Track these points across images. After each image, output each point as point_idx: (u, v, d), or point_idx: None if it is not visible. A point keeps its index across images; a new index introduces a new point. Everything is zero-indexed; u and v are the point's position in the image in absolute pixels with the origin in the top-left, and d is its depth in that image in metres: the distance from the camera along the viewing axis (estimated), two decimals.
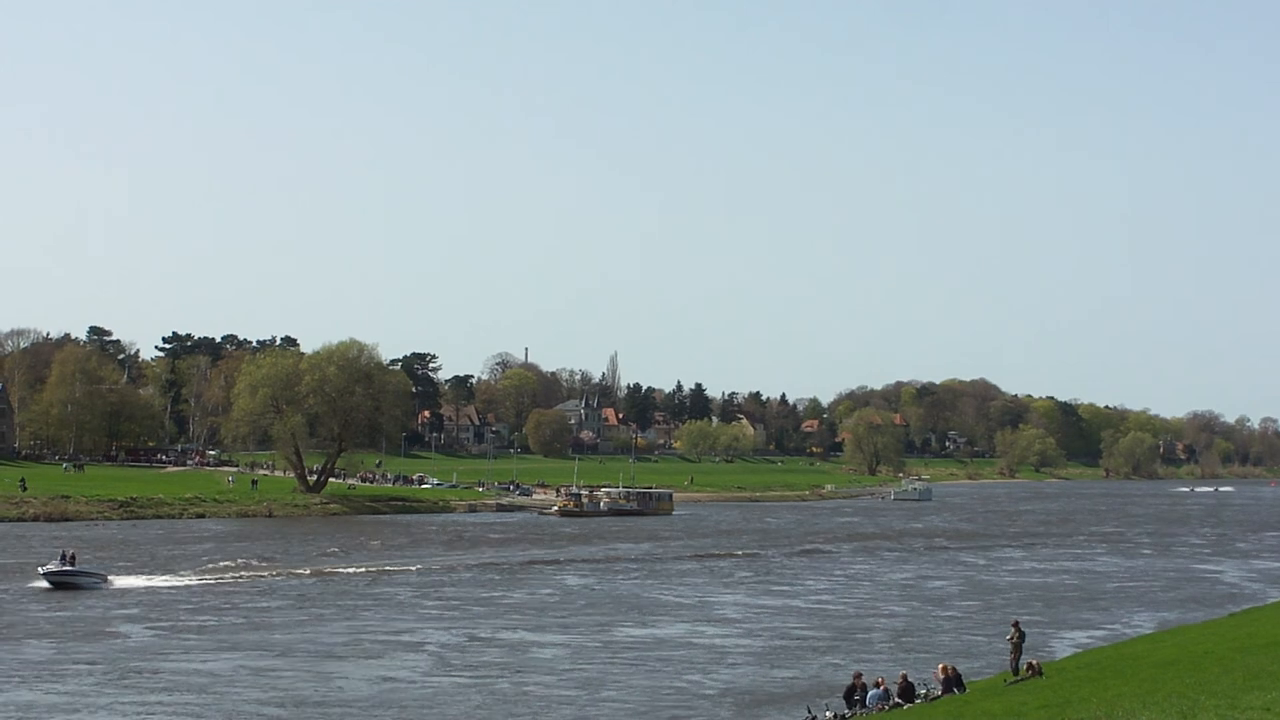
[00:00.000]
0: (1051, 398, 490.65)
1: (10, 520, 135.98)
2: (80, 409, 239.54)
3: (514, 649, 62.83)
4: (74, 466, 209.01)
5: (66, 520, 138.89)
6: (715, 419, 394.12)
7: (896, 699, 41.67)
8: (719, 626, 72.15)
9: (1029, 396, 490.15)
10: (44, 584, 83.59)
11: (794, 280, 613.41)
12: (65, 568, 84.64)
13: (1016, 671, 43.89)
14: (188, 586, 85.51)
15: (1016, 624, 48.94)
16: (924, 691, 42.76)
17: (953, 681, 42.45)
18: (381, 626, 69.24)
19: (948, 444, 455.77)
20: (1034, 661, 44.26)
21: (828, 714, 41.82)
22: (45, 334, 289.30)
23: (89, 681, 52.11)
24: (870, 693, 42.02)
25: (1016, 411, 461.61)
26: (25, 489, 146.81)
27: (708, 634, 69.24)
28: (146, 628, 67.22)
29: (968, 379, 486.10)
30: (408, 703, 49.19)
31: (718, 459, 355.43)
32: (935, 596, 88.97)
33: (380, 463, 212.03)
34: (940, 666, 44.10)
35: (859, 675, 43.63)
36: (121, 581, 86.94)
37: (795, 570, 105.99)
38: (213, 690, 50.81)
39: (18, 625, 67.67)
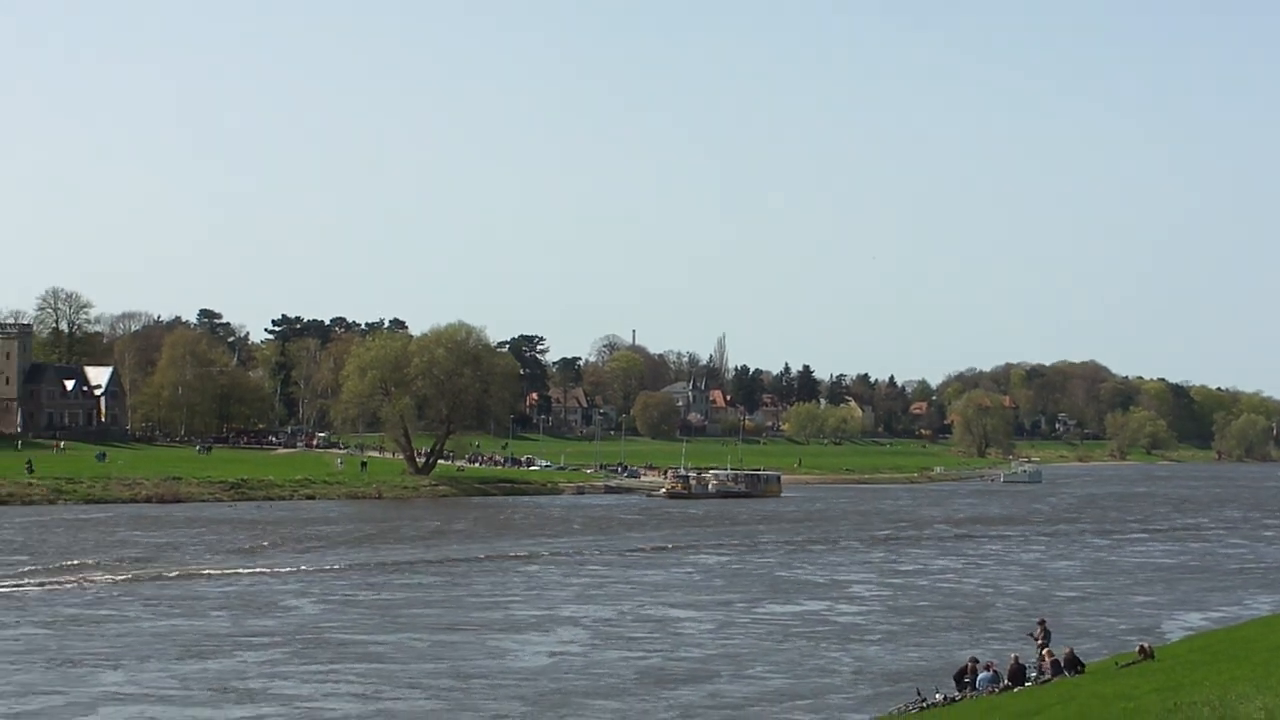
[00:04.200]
0: (1163, 380, 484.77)
1: (123, 501, 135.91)
2: (191, 392, 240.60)
3: (662, 624, 64.31)
4: (204, 449, 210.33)
5: (178, 502, 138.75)
6: (823, 401, 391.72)
7: (1006, 681, 40.23)
8: (852, 604, 73.02)
9: (1140, 378, 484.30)
10: None
11: (903, 262, 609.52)
12: None
13: (1041, 672, 42.07)
14: (333, 568, 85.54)
15: (1043, 623, 47.08)
16: (1034, 674, 41.31)
17: (1068, 664, 40.87)
18: (533, 603, 70.82)
19: (1057, 426, 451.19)
20: (1146, 645, 42.56)
21: (937, 696, 40.69)
22: (156, 317, 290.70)
23: (275, 652, 53.70)
24: (980, 675, 40.87)
25: (1127, 393, 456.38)
26: (32, 471, 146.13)
27: (842, 612, 70.02)
28: (313, 603, 69.05)
29: (1077, 361, 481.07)
30: (568, 674, 50.60)
31: (825, 441, 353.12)
32: (1059, 577, 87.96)
33: (478, 444, 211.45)
34: (1045, 650, 42.42)
35: (975, 660, 42.31)
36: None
37: (919, 551, 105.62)
38: (389, 660, 52.68)
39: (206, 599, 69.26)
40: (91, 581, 74.57)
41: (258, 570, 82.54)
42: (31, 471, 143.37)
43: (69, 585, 72.88)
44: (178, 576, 78.12)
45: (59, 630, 57.93)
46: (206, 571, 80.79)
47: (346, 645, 55.77)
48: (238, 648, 54.47)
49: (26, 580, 74.20)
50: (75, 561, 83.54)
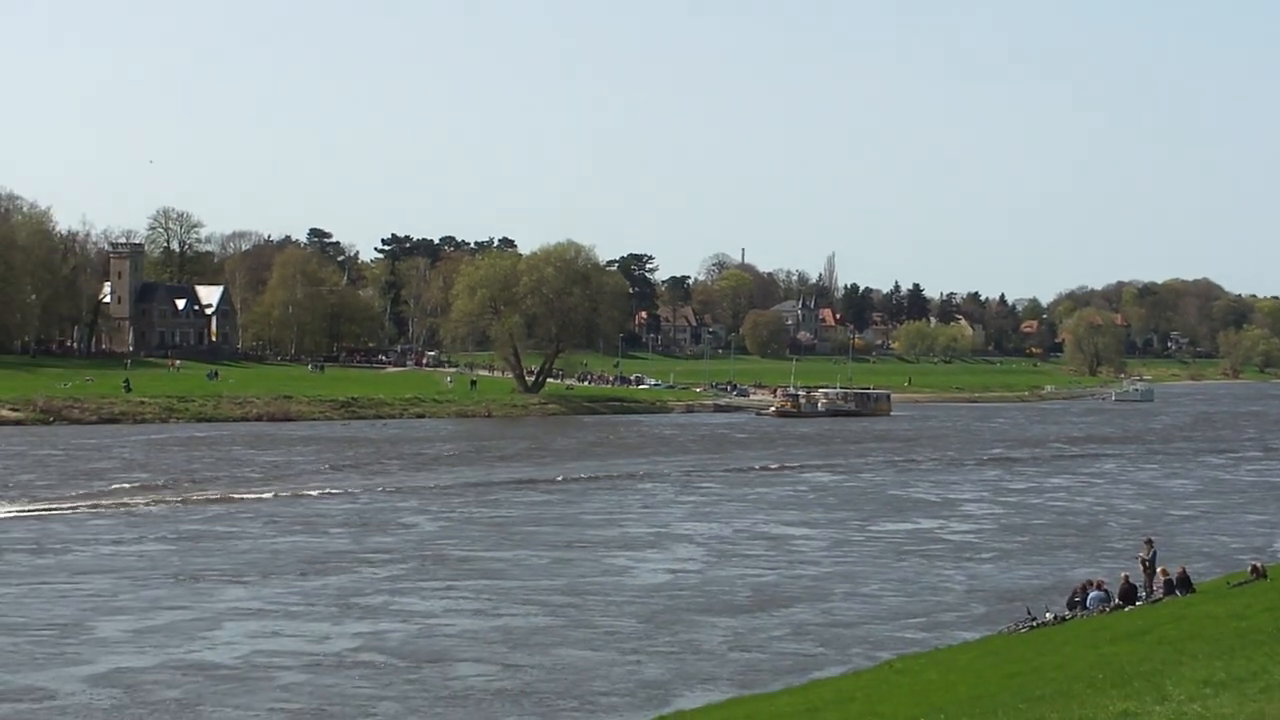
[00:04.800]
0: (1277, 298, 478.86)
1: (235, 420, 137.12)
2: (301, 311, 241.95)
3: (776, 542, 64.44)
4: (316, 368, 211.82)
5: (289, 420, 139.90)
6: (933, 319, 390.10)
7: (1117, 600, 39.95)
8: (964, 523, 72.98)
9: (1253, 296, 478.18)
10: None
11: (1011, 178, 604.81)
12: None
13: (1150, 592, 41.58)
14: (449, 486, 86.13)
15: (1150, 542, 46.41)
16: (1144, 594, 40.99)
17: (1179, 583, 40.53)
18: (647, 521, 71.36)
19: (1169, 345, 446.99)
20: (1258, 564, 42.12)
21: (1048, 615, 40.44)
22: (266, 236, 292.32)
23: (395, 569, 54.30)
24: (1091, 595, 40.58)
25: (1240, 312, 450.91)
26: (129, 390, 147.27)
27: (955, 530, 70.02)
28: (430, 520, 69.65)
29: (1190, 279, 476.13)
30: (683, 591, 50.84)
31: (935, 360, 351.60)
32: (1172, 495, 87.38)
33: (586, 363, 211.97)
34: (1161, 569, 41.97)
35: (1089, 582, 42.01)
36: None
37: (1032, 470, 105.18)
38: (506, 576, 53.20)
39: (326, 517, 70.21)
40: (211, 499, 75.53)
41: (375, 488, 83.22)
42: (129, 390, 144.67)
43: (189, 502, 73.84)
44: (295, 494, 79.01)
45: (181, 546, 58.75)
46: (324, 489, 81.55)
47: (464, 562, 56.26)
48: (358, 564, 55.10)
49: (148, 497, 75.17)
50: (194, 479, 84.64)
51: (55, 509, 69.24)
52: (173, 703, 34.01)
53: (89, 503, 72.23)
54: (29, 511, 68.07)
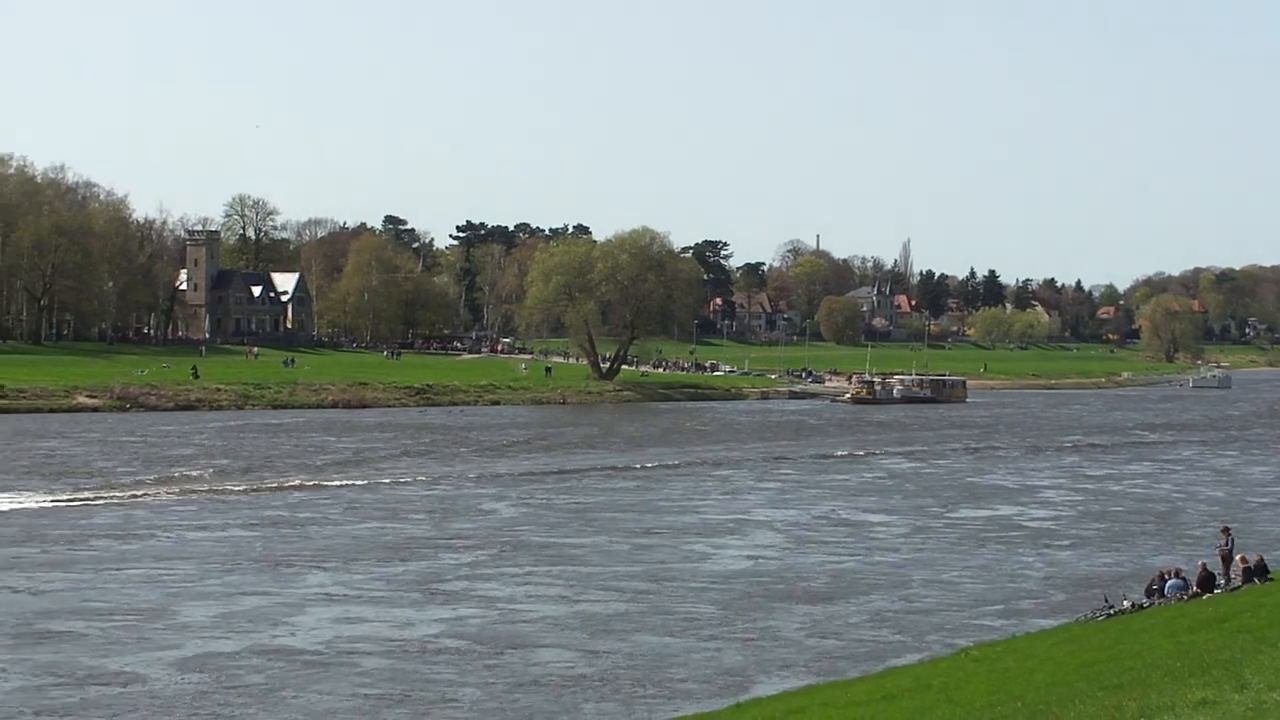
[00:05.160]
0: None
1: (310, 407, 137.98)
2: (376, 297, 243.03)
3: (855, 528, 64.66)
4: (393, 354, 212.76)
5: (364, 407, 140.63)
6: (1009, 306, 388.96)
7: (1195, 589, 39.90)
8: (1043, 509, 72.89)
9: None
10: None
11: (1088, 163, 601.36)
12: None
13: (1228, 580, 41.36)
14: (527, 473, 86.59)
15: (1226, 530, 46.03)
16: (1223, 582, 40.91)
17: (1257, 571, 40.45)
18: (725, 507, 71.52)
19: (1247, 331, 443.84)
20: None
21: (1125, 603, 40.38)
22: (342, 223, 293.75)
23: (475, 555, 54.83)
24: (1169, 583, 40.54)
25: None
26: (197, 377, 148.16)
27: (1033, 517, 69.90)
28: (510, 506, 70.20)
29: (1268, 264, 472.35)
30: (762, 577, 50.99)
31: (1011, 346, 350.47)
32: (1251, 483, 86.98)
33: (660, 349, 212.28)
34: (1240, 557, 41.86)
35: (1168, 569, 42.00)
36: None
37: (1110, 457, 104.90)
38: (586, 563, 53.55)
39: (405, 503, 70.94)
40: (291, 485, 76.22)
41: (453, 474, 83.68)
42: (197, 377, 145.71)
43: (270, 489, 74.52)
44: (374, 480, 79.52)
45: (264, 532, 59.34)
46: (403, 476, 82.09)
47: (544, 548, 56.57)
48: (438, 550, 55.51)
49: (229, 484, 75.94)
50: (273, 465, 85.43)
51: (138, 495, 69.96)
52: (257, 687, 34.40)
53: (171, 489, 72.94)
54: (112, 498, 68.74)
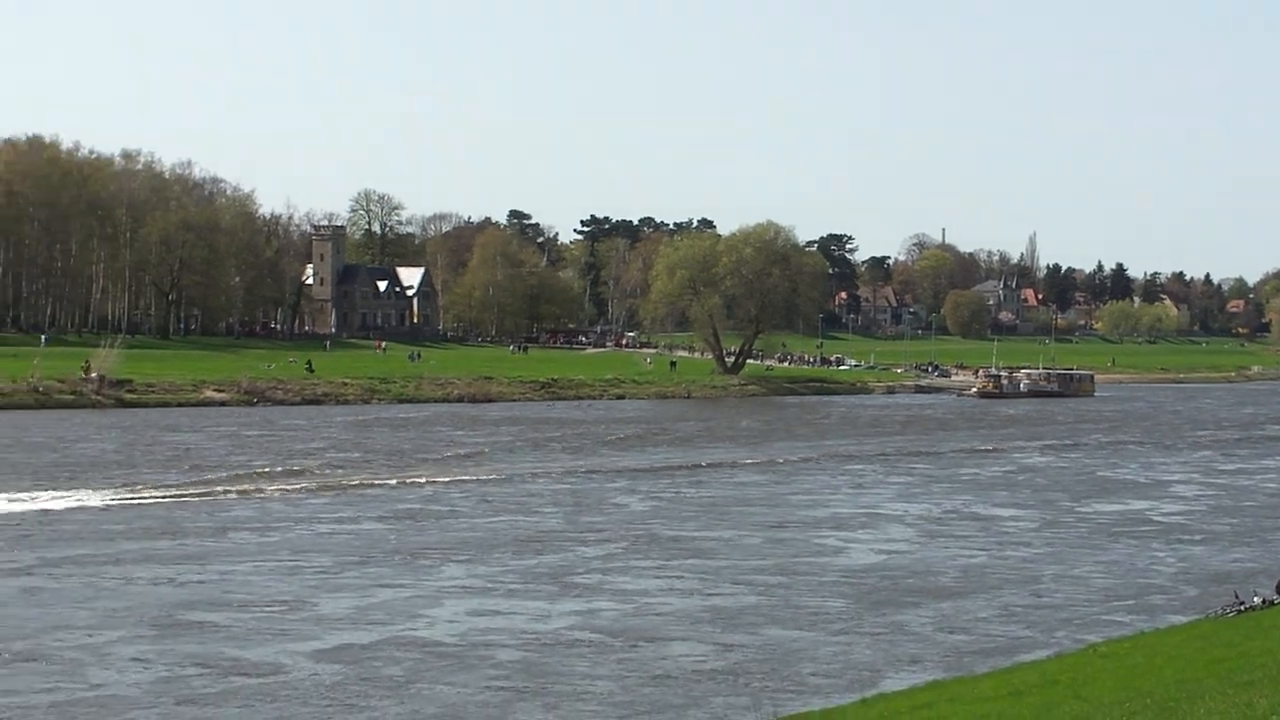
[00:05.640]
0: None
1: (435, 401, 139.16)
2: (501, 292, 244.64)
3: (986, 523, 64.56)
4: (519, 348, 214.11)
5: (490, 401, 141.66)
6: (1137, 299, 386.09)
7: None
8: (1175, 504, 72.30)
9: None
10: None
11: (1217, 155, 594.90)
12: None
13: None
14: (657, 467, 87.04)
15: None
16: None
17: None
18: (855, 501, 71.67)
19: None
20: None
21: (1255, 599, 40.07)
22: (466, 218, 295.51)
23: (608, 548, 55.22)
24: None
25: None
26: (312, 371, 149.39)
27: (1165, 511, 69.35)
28: (641, 500, 70.58)
29: None
30: (892, 572, 50.95)
31: (1139, 340, 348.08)
32: None
33: (785, 344, 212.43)
34: None
35: None
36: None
37: (1243, 451, 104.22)
38: (717, 556, 53.65)
39: (536, 496, 71.76)
40: (422, 478, 76.95)
41: (583, 468, 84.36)
42: (311, 372, 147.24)
43: (401, 482, 75.25)
44: (504, 474, 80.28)
45: (397, 525, 60.00)
46: (533, 469, 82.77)
47: (675, 541, 56.81)
48: (571, 543, 55.95)
49: (361, 477, 76.96)
50: (403, 459, 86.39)
51: (272, 489, 70.97)
52: (392, 679, 34.86)
53: (304, 482, 73.97)
54: (246, 491, 69.80)
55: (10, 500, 63.79)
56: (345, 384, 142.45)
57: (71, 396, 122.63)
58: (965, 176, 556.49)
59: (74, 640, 38.02)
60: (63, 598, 43.52)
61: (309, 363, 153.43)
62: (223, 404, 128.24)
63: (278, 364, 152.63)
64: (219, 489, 70.35)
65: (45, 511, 61.38)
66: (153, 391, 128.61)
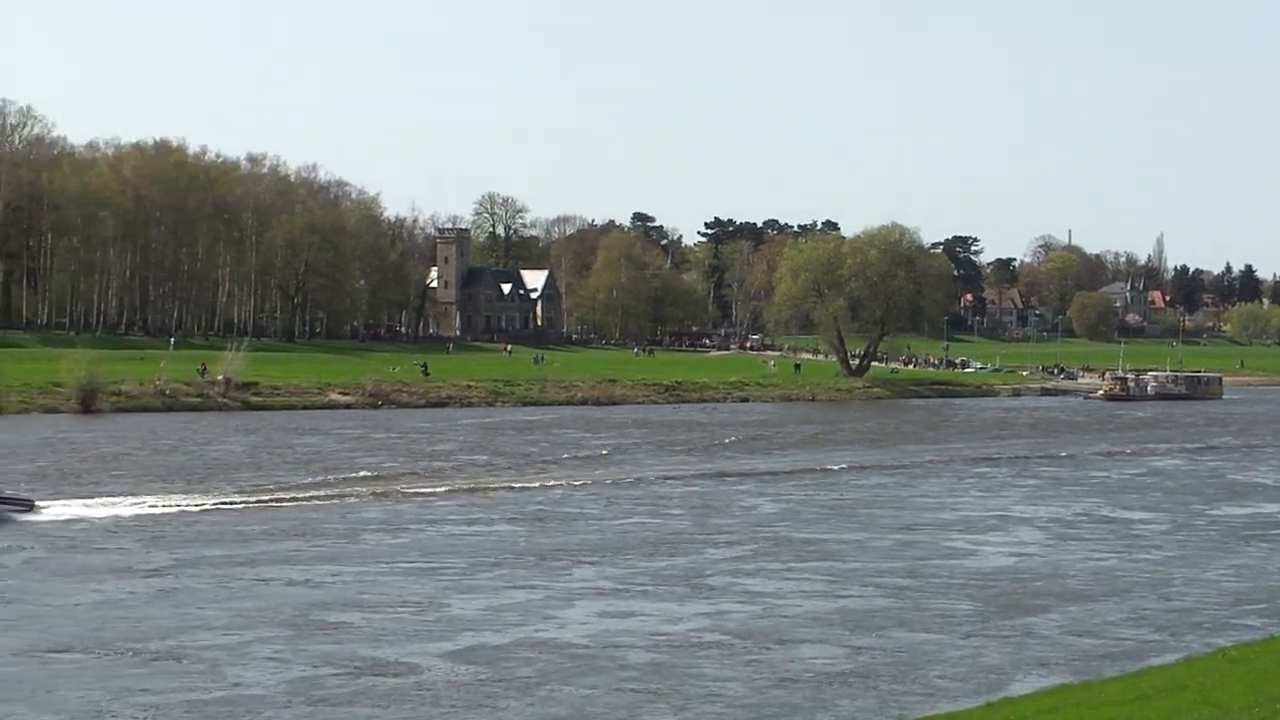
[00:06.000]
0: None
1: (560, 403, 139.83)
2: (625, 294, 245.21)
3: (1116, 525, 64.39)
4: (645, 351, 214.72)
5: (614, 404, 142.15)
6: (1266, 301, 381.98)
7: None
8: None
9: None
10: None
11: None
12: None
13: None
14: (783, 469, 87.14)
15: None
16: None
17: None
18: (984, 504, 71.49)
19: None
20: None
21: None
22: (590, 221, 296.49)
23: (737, 550, 55.40)
24: None
25: None
26: (427, 374, 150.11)
27: None
28: (770, 502, 70.71)
29: None
30: (1021, 576, 50.97)
31: (1269, 342, 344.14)
32: None
33: (910, 346, 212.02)
34: None
35: None
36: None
37: None
38: (846, 558, 53.86)
39: (665, 499, 72.02)
40: (550, 481, 77.59)
41: (710, 470, 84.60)
42: (427, 375, 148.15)
43: (531, 484, 75.95)
44: (632, 476, 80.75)
45: (527, 527, 60.59)
46: (660, 472, 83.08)
47: (805, 543, 56.99)
48: (700, 545, 56.20)
49: (490, 479, 77.65)
50: (531, 461, 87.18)
51: (402, 490, 71.74)
52: (524, 679, 35.27)
53: (434, 484, 74.62)
54: (378, 493, 70.61)
55: (143, 502, 64.73)
56: (469, 387, 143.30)
57: (197, 399, 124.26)
58: (1092, 177, 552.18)
59: (210, 640, 38.73)
60: (198, 598, 44.34)
61: (424, 365, 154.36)
62: (347, 407, 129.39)
63: (403, 367, 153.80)
64: (349, 491, 71.18)
65: (180, 513, 62.42)
66: (278, 394, 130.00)
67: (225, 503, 65.68)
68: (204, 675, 35.24)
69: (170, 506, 63.94)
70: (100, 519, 59.71)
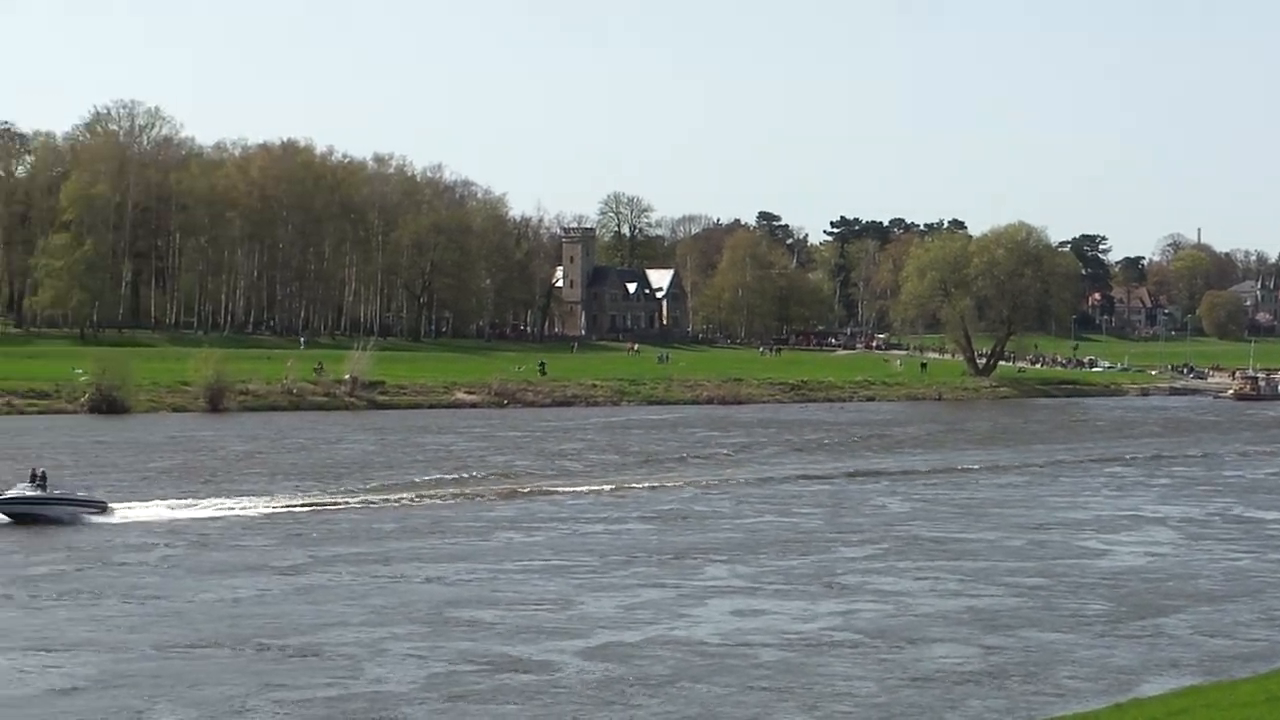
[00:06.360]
0: None
1: (685, 403, 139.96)
2: (751, 294, 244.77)
3: (1249, 525, 64.26)
4: (770, 350, 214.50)
5: (739, 404, 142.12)
6: None
7: None
8: None
9: None
10: None
11: None
12: (26, 493, 58.17)
13: None
14: (913, 468, 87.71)
15: None
16: None
17: None
18: (1116, 504, 71.35)
19: None
20: None
21: None
22: (715, 220, 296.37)
23: (869, 549, 55.71)
24: None
25: None
26: (544, 373, 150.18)
27: None
28: (901, 501, 71.13)
29: None
30: (1153, 576, 50.75)
31: None
32: None
33: (1037, 345, 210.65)
34: None
35: None
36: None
37: None
38: (977, 557, 54.01)
39: (796, 497, 72.25)
40: (680, 480, 78.01)
41: (840, 469, 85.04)
42: (544, 374, 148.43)
43: (659, 484, 76.32)
44: (762, 475, 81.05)
45: (660, 525, 61.11)
46: (791, 471, 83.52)
47: (935, 542, 57.22)
48: (832, 544, 56.54)
49: (619, 478, 78.20)
50: (659, 460, 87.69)
51: (532, 489, 72.47)
52: (657, 677, 35.61)
53: (565, 483, 75.26)
54: (510, 491, 71.28)
55: (278, 501, 65.73)
56: (594, 385, 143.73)
57: (324, 398, 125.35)
58: (1221, 175, 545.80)
59: (348, 636, 39.36)
60: (336, 595, 45.05)
61: (542, 365, 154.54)
62: (473, 405, 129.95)
63: (526, 366, 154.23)
64: (483, 489, 71.91)
65: (315, 511, 63.41)
66: (404, 393, 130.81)
67: (360, 501, 66.54)
68: (343, 671, 35.83)
69: (307, 505, 64.91)
70: (182, 520, 59.38)
